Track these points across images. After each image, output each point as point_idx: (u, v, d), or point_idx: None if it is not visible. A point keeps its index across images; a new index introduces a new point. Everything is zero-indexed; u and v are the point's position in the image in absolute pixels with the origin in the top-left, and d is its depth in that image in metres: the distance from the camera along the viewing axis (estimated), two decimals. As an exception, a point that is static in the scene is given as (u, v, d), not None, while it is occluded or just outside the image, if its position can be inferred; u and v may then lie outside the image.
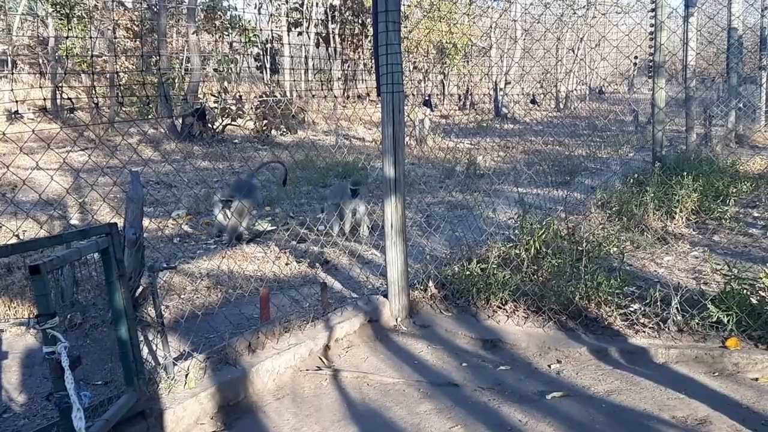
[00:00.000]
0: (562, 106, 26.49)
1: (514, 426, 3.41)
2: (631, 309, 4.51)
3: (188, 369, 3.70)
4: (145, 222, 4.86)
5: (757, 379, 3.72)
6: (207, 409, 3.63)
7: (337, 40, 25.31)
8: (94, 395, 3.34)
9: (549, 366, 4.12)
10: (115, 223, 3.16)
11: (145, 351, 3.71)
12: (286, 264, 6.04)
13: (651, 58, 7.99)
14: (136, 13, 20.13)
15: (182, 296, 5.21)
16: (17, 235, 5.59)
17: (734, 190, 7.32)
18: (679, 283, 4.79)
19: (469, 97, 25.49)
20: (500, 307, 4.88)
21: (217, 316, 4.69)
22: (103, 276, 3.18)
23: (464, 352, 4.42)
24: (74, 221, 7.33)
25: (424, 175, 10.93)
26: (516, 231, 5.91)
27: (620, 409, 3.50)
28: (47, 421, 3.19)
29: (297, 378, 4.10)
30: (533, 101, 22.83)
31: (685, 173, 7.18)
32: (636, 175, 8.09)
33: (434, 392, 3.85)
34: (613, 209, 7.14)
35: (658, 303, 4.40)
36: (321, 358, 4.34)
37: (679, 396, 3.58)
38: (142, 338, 3.60)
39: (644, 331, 4.33)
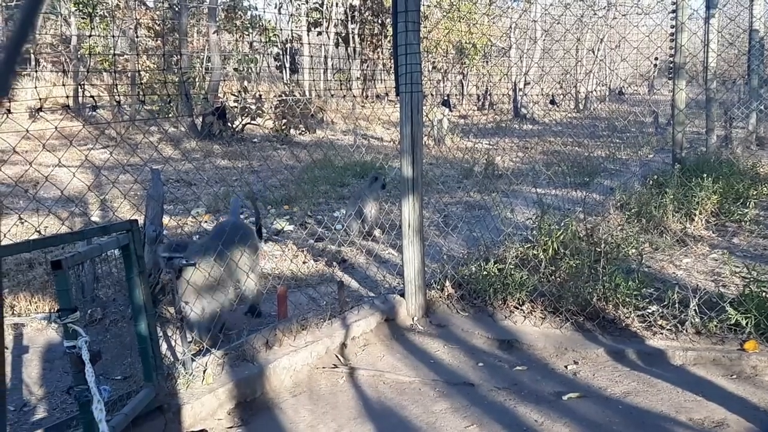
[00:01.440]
0: (581, 106, 26.35)
1: (530, 426, 3.41)
2: (649, 311, 4.49)
3: (206, 365, 3.74)
4: (165, 219, 4.91)
5: (776, 383, 3.70)
6: (224, 405, 3.66)
7: (357, 40, 25.33)
8: (113, 390, 3.39)
9: (566, 367, 4.12)
10: (136, 220, 3.20)
11: (164, 347, 3.75)
12: (304, 262, 6.07)
13: (671, 59, 7.95)
14: (157, 12, 20.29)
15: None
16: (39, 231, 5.67)
17: (754, 193, 7.26)
18: (697, 285, 4.76)
19: (488, 97, 25.42)
20: (517, 308, 4.88)
21: (235, 312, 4.73)
22: (124, 272, 3.22)
23: (481, 352, 4.42)
24: (95, 218, 7.41)
25: (442, 175, 10.93)
26: (534, 231, 5.90)
27: (637, 411, 3.49)
28: (66, 415, 3.23)
29: (314, 375, 4.12)
30: (552, 102, 22.73)
31: (705, 175, 7.13)
32: (655, 177, 8.04)
33: (450, 391, 3.86)
34: (632, 210, 7.10)
35: (677, 305, 4.38)
36: (338, 356, 4.37)
37: (696, 398, 3.56)
38: (161, 334, 3.64)
39: (662, 333, 4.31)
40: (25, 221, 6.02)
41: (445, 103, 21.05)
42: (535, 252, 5.41)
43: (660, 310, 4.45)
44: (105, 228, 3.26)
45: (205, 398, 3.56)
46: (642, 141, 14.25)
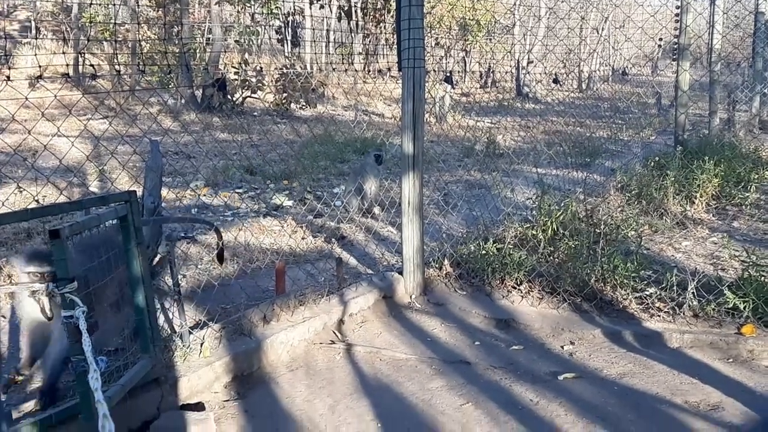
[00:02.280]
0: (584, 86, 26.21)
1: (525, 405, 3.42)
2: (647, 293, 4.49)
3: (203, 338, 3.74)
4: (164, 191, 4.88)
5: (771, 367, 3.71)
6: (221, 378, 3.67)
7: (360, 14, 25.11)
8: (110, 361, 3.39)
9: (562, 347, 4.12)
10: (134, 191, 3.18)
11: (161, 319, 3.75)
12: (303, 238, 6.06)
13: (676, 40, 7.88)
14: (158, -18, 20.08)
15: (199, 266, 5.24)
16: (37, 200, 5.65)
17: (756, 177, 7.23)
18: (696, 268, 4.76)
19: (491, 75, 25.28)
20: (515, 288, 4.88)
21: (233, 287, 4.72)
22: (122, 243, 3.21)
23: (477, 331, 4.43)
24: (93, 189, 7.38)
25: (443, 152, 10.89)
26: (534, 212, 5.89)
27: (632, 392, 3.50)
28: (63, 384, 3.23)
29: (311, 351, 4.13)
30: (555, 81, 22.60)
31: (707, 158, 7.10)
32: (657, 159, 8.01)
33: (446, 369, 3.87)
34: (633, 192, 7.08)
35: (675, 288, 4.37)
36: (335, 332, 4.37)
37: (692, 381, 3.57)
38: (158, 306, 3.63)
39: (659, 316, 4.31)
40: (24, 190, 6.00)
41: (448, 80, 20.93)
42: (534, 232, 5.40)
43: (658, 293, 4.45)
44: (103, 198, 3.24)
45: (201, 371, 3.57)
46: (644, 122, 14.20)
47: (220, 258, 4.28)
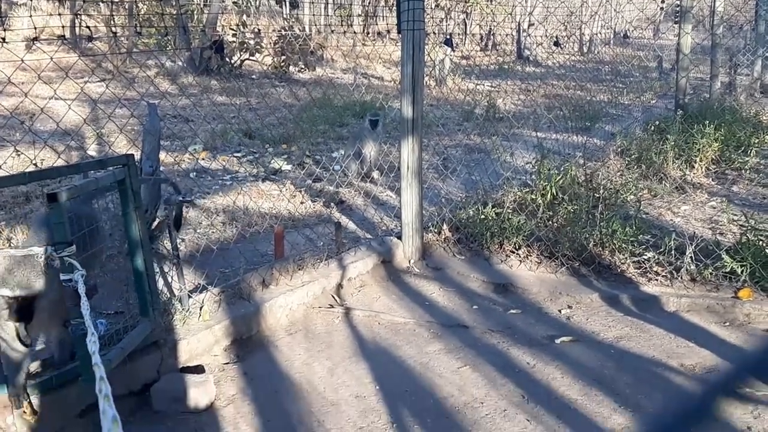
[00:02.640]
0: (585, 49, 25.97)
1: (522, 368, 3.45)
2: (645, 257, 4.50)
3: (203, 302, 3.76)
4: (162, 155, 4.87)
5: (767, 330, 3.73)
6: (220, 342, 3.70)
7: (359, -25, 24.78)
8: (109, 324, 3.41)
9: (560, 311, 4.15)
10: (132, 155, 3.17)
11: (160, 283, 3.76)
12: (301, 203, 6.05)
13: (678, 2, 7.78)
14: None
15: (198, 230, 5.24)
16: (35, 164, 5.63)
17: (756, 141, 7.20)
18: (694, 232, 4.76)
19: (491, 37, 25.02)
20: (513, 252, 4.89)
21: (232, 251, 4.73)
22: (120, 207, 3.20)
23: (476, 295, 4.45)
24: (91, 152, 7.35)
25: (442, 116, 10.83)
26: (533, 176, 5.88)
27: (629, 356, 3.52)
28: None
29: (309, 315, 4.15)
30: (556, 44, 22.38)
31: (707, 122, 7.06)
32: (657, 123, 7.97)
33: (444, 333, 3.90)
34: (633, 156, 7.06)
35: (673, 252, 4.38)
36: (334, 296, 4.39)
37: (688, 344, 3.59)
38: (157, 270, 3.64)
39: (657, 280, 4.33)
40: (22, 153, 5.97)
41: (448, 43, 20.72)
42: (533, 197, 5.39)
43: (656, 257, 4.46)
44: (101, 162, 3.23)
45: (201, 334, 3.59)
46: (645, 86, 14.10)
47: (178, 223, 4.18)
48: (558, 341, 3.73)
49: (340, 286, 4.50)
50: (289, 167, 7.32)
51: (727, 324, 3.84)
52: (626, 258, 4.52)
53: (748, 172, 6.71)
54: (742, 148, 7.06)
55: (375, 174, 6.84)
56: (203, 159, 7.50)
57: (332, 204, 6.03)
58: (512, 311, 4.18)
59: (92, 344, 1.49)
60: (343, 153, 7.53)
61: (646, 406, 3.07)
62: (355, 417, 3.10)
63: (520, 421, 3.02)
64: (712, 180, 6.60)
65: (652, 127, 7.80)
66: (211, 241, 4.89)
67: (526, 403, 3.16)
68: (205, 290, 3.88)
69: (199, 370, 3.47)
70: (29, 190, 5.60)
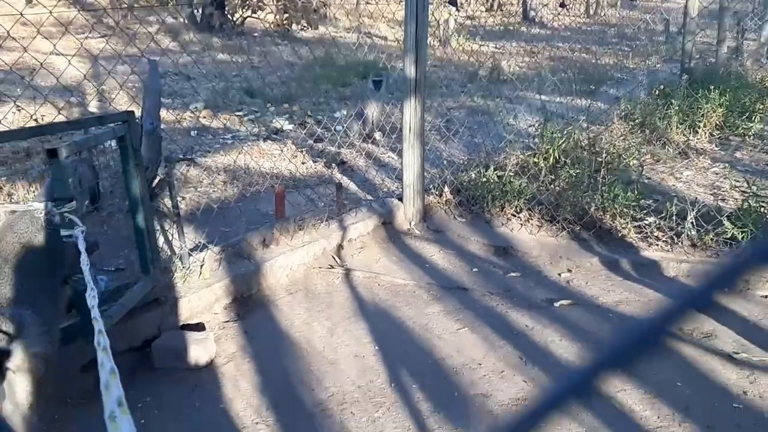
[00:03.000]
0: (591, 12, 25.64)
1: (520, 331, 3.47)
2: (646, 222, 4.49)
3: (203, 260, 3.76)
4: (163, 113, 4.83)
5: (766, 297, 3.74)
6: (221, 300, 3.71)
7: (363, -68, 24.36)
8: (110, 282, 3.42)
9: (559, 275, 4.16)
10: (132, 111, 3.14)
11: (161, 241, 3.76)
12: (303, 163, 6.03)
13: (688, -36, 7.65)
14: None
15: (198, 189, 5.23)
16: (35, 119, 5.60)
17: (761, 107, 7.14)
18: (696, 198, 4.76)
19: (497, -2, 24.68)
20: (514, 215, 4.88)
21: (233, 210, 4.73)
22: (120, 165, 3.19)
23: (476, 258, 4.45)
24: (92, 108, 7.31)
25: (445, 78, 10.73)
26: (536, 139, 5.85)
27: (628, 320, 3.54)
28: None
29: (310, 275, 4.17)
30: (562, 5, 22.10)
31: (713, 87, 6.99)
32: (662, 87, 7.89)
33: (444, 295, 3.91)
34: (636, 121, 7.01)
35: (674, 217, 4.38)
36: (334, 257, 4.40)
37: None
38: (158, 228, 3.64)
39: (657, 245, 4.33)
40: (22, 109, 5.93)
41: (452, 3, 20.46)
42: (535, 160, 5.37)
43: (657, 222, 4.46)
44: (101, 118, 3.21)
45: (201, 292, 3.61)
46: (651, 50, 13.94)
47: (93, 199, 3.98)
48: (557, 305, 3.75)
49: (340, 247, 4.51)
50: (290, 127, 7.27)
51: (726, 290, 3.85)
52: (627, 223, 4.52)
53: (751, 138, 6.66)
54: (747, 114, 6.99)
55: (377, 135, 6.80)
56: (204, 117, 7.45)
57: (333, 164, 6.01)
58: (512, 274, 4.19)
59: (91, 299, 1.49)
60: (345, 113, 7.48)
61: (641, 368, 3.09)
62: (354, 376, 3.13)
63: (517, 382, 3.05)
64: (716, 146, 6.56)
65: (657, 92, 7.73)
66: (212, 200, 4.89)
67: (524, 365, 3.18)
68: (205, 249, 3.89)
69: (199, 327, 3.50)
70: (30, 145, 5.57)
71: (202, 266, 3.73)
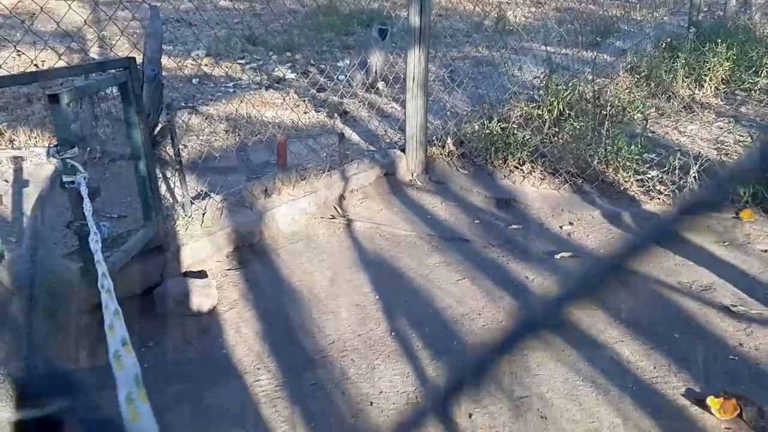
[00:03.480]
0: (600, -38, 25.15)
1: (520, 282, 3.50)
2: (649, 175, 4.49)
3: (205, 208, 3.77)
4: (164, 60, 4.78)
5: (766, 251, 3.75)
6: (223, 249, 3.73)
7: None
8: (113, 228, 3.43)
9: (561, 227, 4.16)
10: (134, 58, 3.11)
11: (163, 188, 3.76)
12: (305, 112, 5.99)
13: None
14: None
15: (200, 137, 5.22)
16: (36, 65, 5.55)
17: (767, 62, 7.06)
18: (700, 152, 4.74)
19: (504, -53, 24.17)
20: (517, 168, 4.87)
21: (234, 159, 4.72)
22: (122, 112, 3.17)
23: (478, 210, 4.46)
24: (93, 54, 7.23)
25: (450, 27, 10.58)
26: (540, 91, 5.79)
27: (626, 272, 3.56)
28: (68, 249, 3.29)
29: (311, 225, 4.18)
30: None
31: (720, 41, 6.89)
32: (669, 40, 7.78)
33: (445, 246, 3.92)
34: (642, 74, 6.93)
35: (677, 171, 4.37)
36: (336, 208, 4.40)
37: (686, 263, 3.62)
38: (160, 176, 3.64)
39: (659, 199, 4.33)
40: (22, 54, 5.88)
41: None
42: (539, 112, 5.33)
43: (660, 176, 4.45)
44: (102, 64, 3.18)
45: (203, 240, 3.62)
46: (659, 1, 13.71)
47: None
48: (557, 257, 3.76)
49: (342, 197, 4.51)
50: (293, 76, 7.21)
51: (726, 243, 3.86)
52: (630, 176, 4.51)
53: (757, 92, 6.60)
54: (754, 69, 6.91)
55: (380, 85, 6.75)
56: (206, 65, 7.38)
57: (336, 114, 5.98)
58: (513, 226, 4.19)
59: (94, 243, 1.50)
60: (348, 62, 7.40)
61: (640, 321, 3.12)
62: (355, 324, 3.16)
63: (516, 332, 3.07)
64: (721, 100, 6.50)
65: (663, 45, 7.62)
66: (214, 149, 4.87)
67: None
68: (207, 197, 3.89)
69: (202, 275, 3.52)
70: (30, 91, 5.53)
71: (204, 214, 3.74)
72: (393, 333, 3.09)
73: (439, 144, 5.15)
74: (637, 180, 4.48)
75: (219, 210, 3.86)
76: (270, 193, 4.16)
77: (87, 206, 2.07)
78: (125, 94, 3.07)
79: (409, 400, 2.67)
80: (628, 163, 4.56)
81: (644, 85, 6.70)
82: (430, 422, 2.36)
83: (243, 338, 3.07)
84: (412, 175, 4.90)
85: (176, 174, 3.72)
